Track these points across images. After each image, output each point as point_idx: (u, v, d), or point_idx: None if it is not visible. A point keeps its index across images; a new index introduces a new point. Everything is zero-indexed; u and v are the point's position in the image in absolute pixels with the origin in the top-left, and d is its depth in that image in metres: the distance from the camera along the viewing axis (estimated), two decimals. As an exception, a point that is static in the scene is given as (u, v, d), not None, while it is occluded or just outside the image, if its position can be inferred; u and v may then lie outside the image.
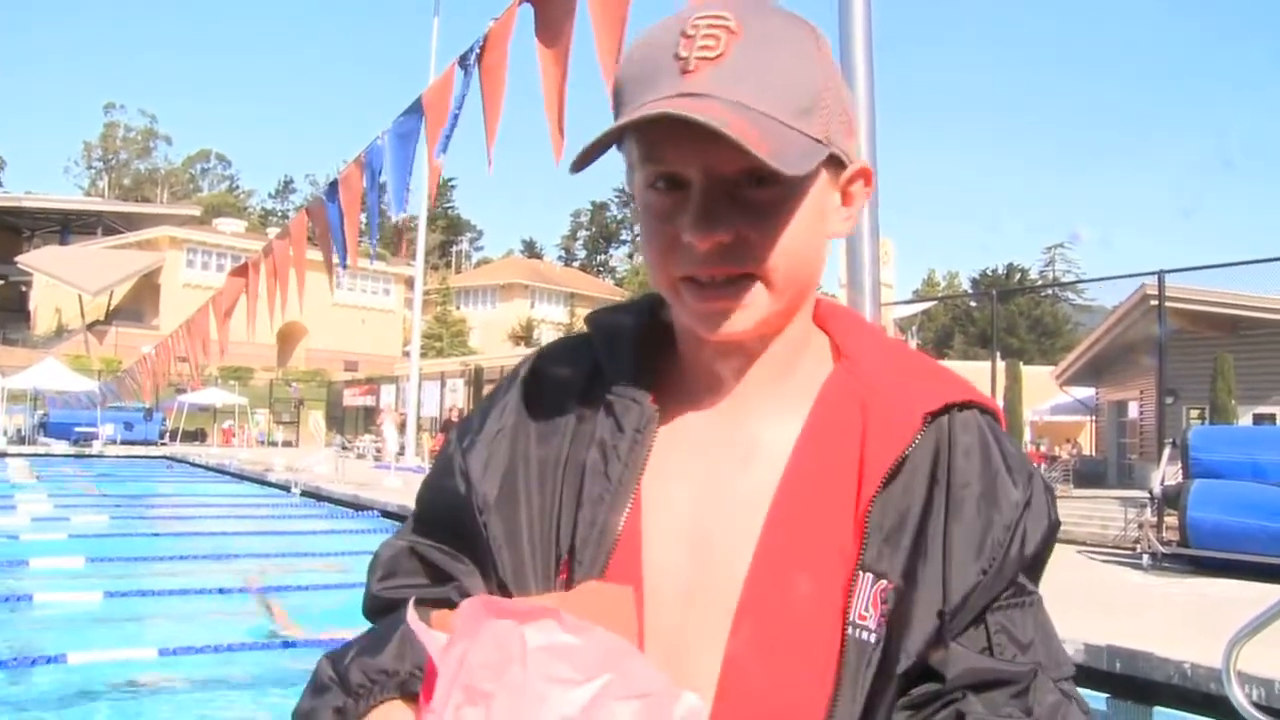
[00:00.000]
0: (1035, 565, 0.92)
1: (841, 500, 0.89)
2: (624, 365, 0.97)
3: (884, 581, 0.86)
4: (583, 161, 0.84)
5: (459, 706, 0.66)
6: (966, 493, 0.89)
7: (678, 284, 0.88)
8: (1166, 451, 12.41)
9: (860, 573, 0.86)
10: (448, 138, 4.02)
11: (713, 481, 0.92)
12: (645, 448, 0.93)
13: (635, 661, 0.70)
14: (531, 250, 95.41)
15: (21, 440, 36.44)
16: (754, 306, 0.88)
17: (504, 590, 0.93)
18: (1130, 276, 20.64)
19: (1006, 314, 56.58)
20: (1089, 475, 24.15)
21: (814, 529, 0.88)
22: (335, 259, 6.47)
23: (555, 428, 0.97)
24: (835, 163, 0.90)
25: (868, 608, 0.85)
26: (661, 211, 0.87)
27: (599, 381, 0.97)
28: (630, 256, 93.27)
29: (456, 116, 3.98)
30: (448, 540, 0.98)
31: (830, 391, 0.95)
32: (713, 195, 0.85)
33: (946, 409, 0.92)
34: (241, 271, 7.91)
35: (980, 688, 0.85)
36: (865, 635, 0.85)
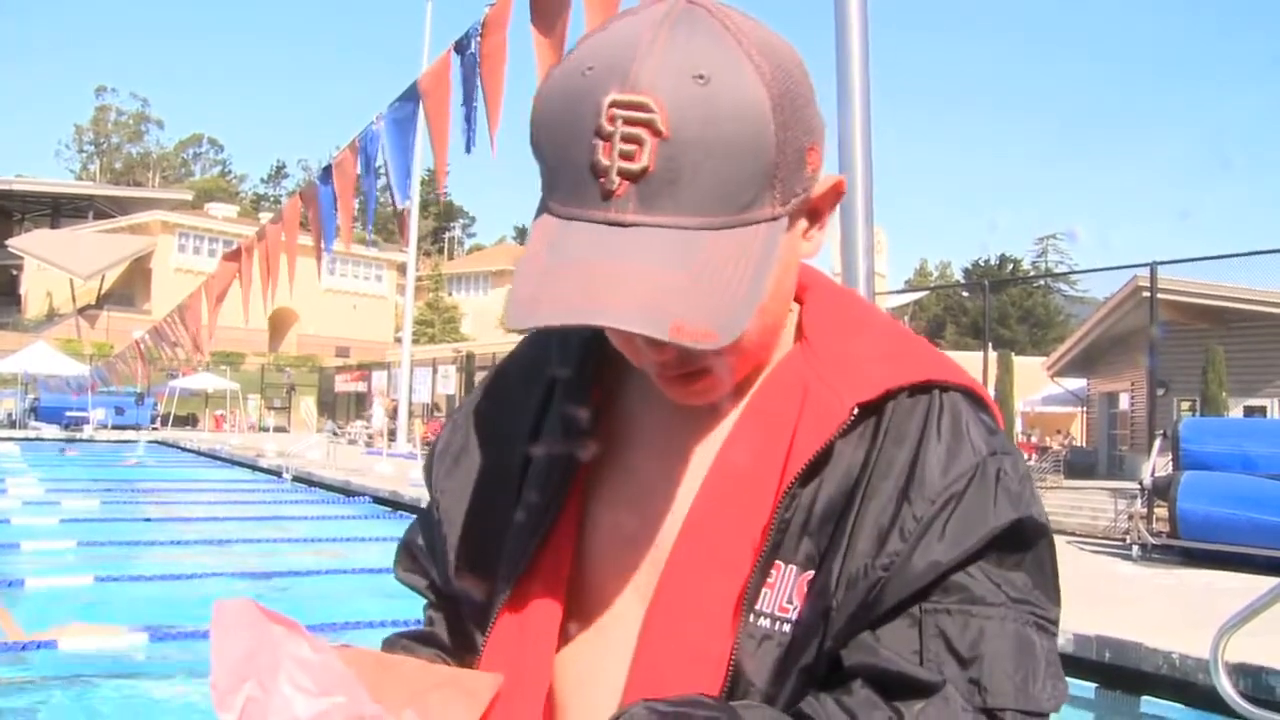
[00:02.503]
0: (990, 566, 0.80)
1: (763, 492, 0.83)
2: (573, 357, 0.95)
3: (811, 572, 0.81)
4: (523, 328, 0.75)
5: (233, 690, 0.75)
6: (885, 483, 0.81)
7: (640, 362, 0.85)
8: (1157, 443, 12.46)
9: (784, 564, 0.81)
10: (473, 131, 3.98)
11: (659, 471, 0.90)
12: (582, 447, 0.92)
13: (361, 690, 0.78)
14: (524, 237, 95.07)
15: (12, 424, 36.35)
16: (720, 385, 0.85)
17: (447, 581, 0.98)
18: (1123, 268, 20.71)
19: (998, 305, 56.65)
20: (1080, 466, 24.21)
21: (731, 521, 0.84)
22: (324, 244, 6.45)
23: (517, 420, 0.97)
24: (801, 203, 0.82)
25: (792, 599, 0.81)
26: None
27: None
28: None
29: (474, 110, 3.94)
30: (432, 532, 1.03)
31: (776, 376, 0.89)
32: None
33: (892, 395, 0.84)
34: (234, 256, 7.88)
35: (878, 686, 0.77)
36: (785, 627, 0.81)
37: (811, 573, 0.81)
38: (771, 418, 0.86)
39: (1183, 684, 6.01)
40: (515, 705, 0.88)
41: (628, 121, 0.71)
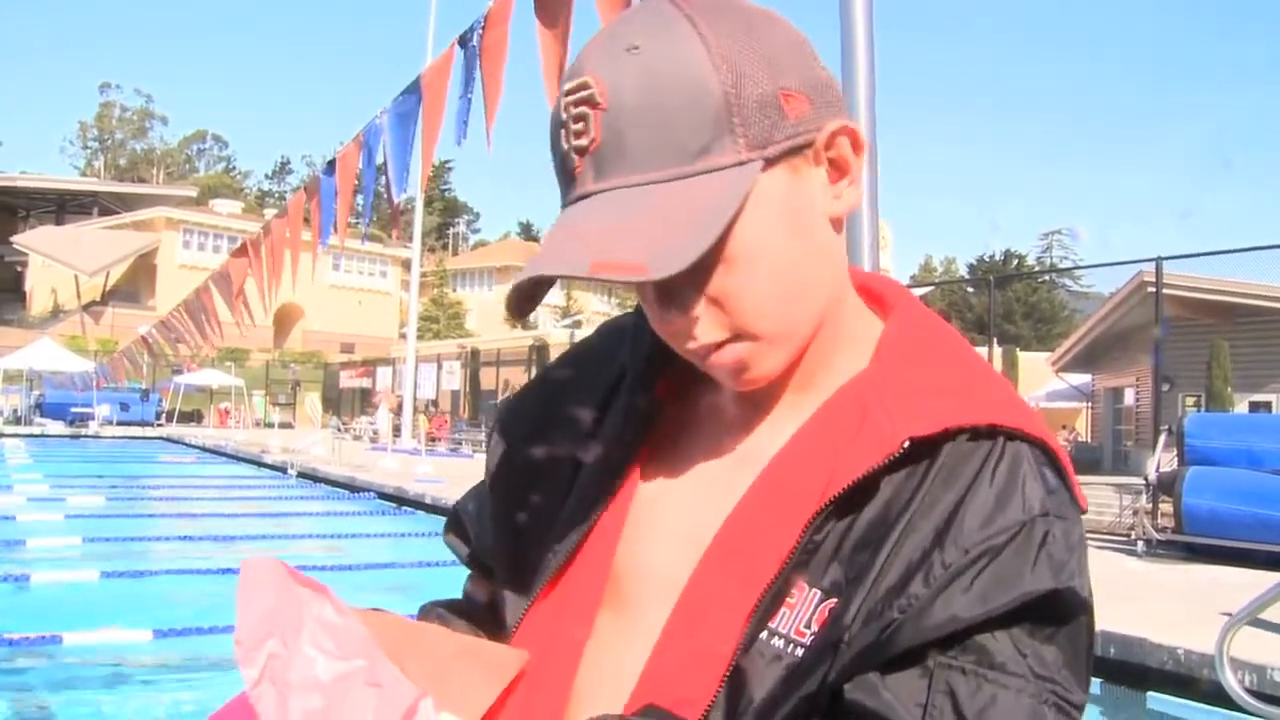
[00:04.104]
0: (1018, 635, 0.74)
1: (802, 511, 0.80)
2: (640, 356, 0.94)
3: (833, 600, 0.77)
4: (522, 309, 0.81)
5: (259, 645, 0.76)
6: (924, 523, 0.77)
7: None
8: (1162, 438, 12.42)
9: (807, 586, 0.78)
10: (465, 124, 4.00)
11: (711, 475, 0.89)
12: (638, 442, 0.92)
13: (382, 655, 0.78)
14: (529, 233, 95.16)
15: (18, 421, 36.44)
16: (758, 361, 0.83)
17: (488, 557, 0.99)
18: (1128, 263, 20.65)
19: (1003, 300, 56.59)
20: (1084, 462, 24.17)
21: (764, 535, 0.82)
22: (322, 238, 6.44)
23: (581, 401, 0.98)
24: (790, 151, 0.79)
25: (811, 624, 0.78)
26: (643, 297, 0.85)
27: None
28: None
29: (470, 101, 3.95)
30: (483, 506, 1.05)
31: (843, 396, 0.86)
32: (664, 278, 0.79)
33: (951, 435, 0.79)
34: (243, 252, 7.89)
35: None
36: (799, 652, 0.77)
37: (834, 601, 0.78)
38: (827, 437, 0.83)
39: (1188, 679, 6.01)
40: (540, 691, 0.87)
41: (574, 104, 0.77)
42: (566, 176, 0.79)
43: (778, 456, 0.85)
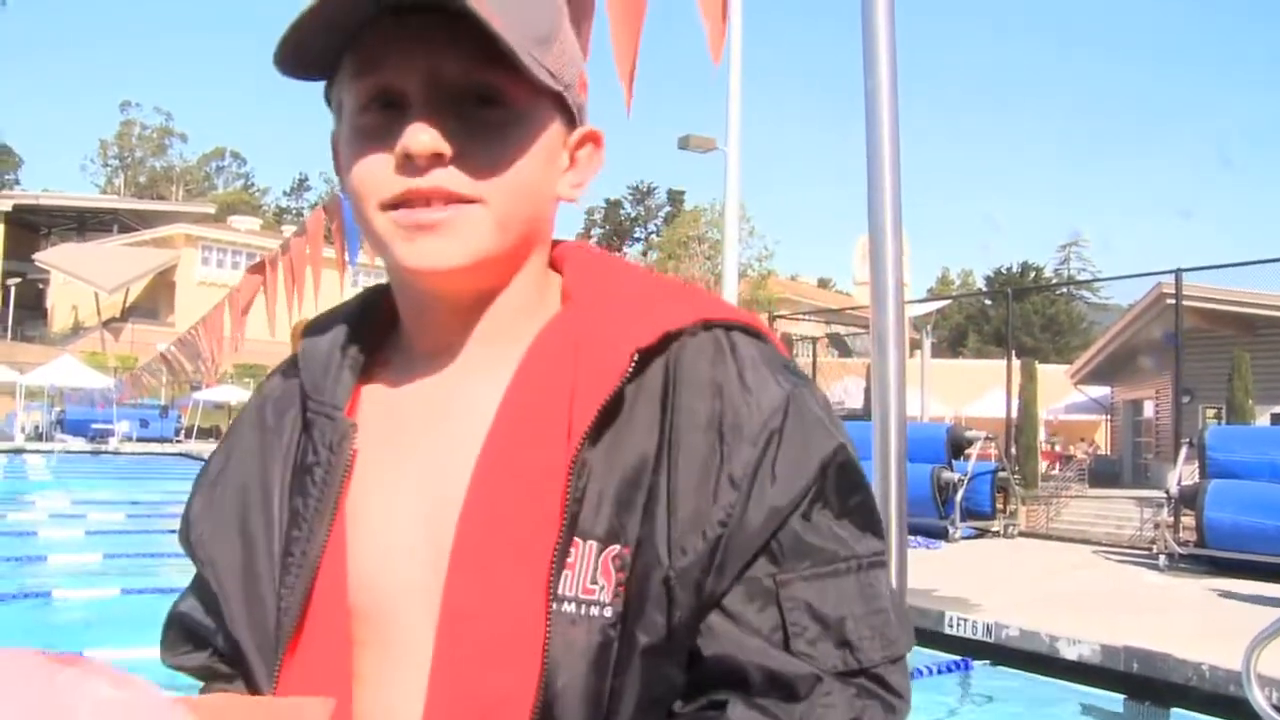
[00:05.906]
0: (828, 512, 0.77)
1: (551, 462, 0.76)
2: (320, 376, 0.88)
3: (616, 546, 0.74)
4: (292, 61, 0.78)
5: None
6: (695, 436, 0.76)
7: (386, 211, 0.79)
8: (1183, 451, 12.35)
9: (582, 540, 0.74)
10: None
11: (432, 470, 0.82)
12: (341, 466, 0.84)
13: (178, 715, 0.70)
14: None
15: (39, 437, 36.64)
16: (471, 238, 0.78)
17: (230, 641, 0.88)
18: (1147, 275, 20.51)
19: (1021, 313, 56.35)
20: (1104, 475, 24.07)
21: (516, 505, 0.77)
22: (348, 256, 6.47)
23: (274, 452, 0.89)
24: (565, 116, 0.84)
25: (596, 578, 0.74)
26: (373, 130, 0.79)
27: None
28: (644, 254, 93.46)
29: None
30: (206, 592, 0.93)
31: (545, 340, 0.83)
32: (434, 108, 0.77)
33: (672, 338, 0.80)
34: (259, 269, 7.92)
35: (744, 686, 0.73)
36: (594, 610, 0.73)
37: (617, 547, 0.74)
38: (545, 383, 0.80)
39: (1213, 696, 5.95)
40: None
41: None
42: None
43: (498, 419, 0.80)
